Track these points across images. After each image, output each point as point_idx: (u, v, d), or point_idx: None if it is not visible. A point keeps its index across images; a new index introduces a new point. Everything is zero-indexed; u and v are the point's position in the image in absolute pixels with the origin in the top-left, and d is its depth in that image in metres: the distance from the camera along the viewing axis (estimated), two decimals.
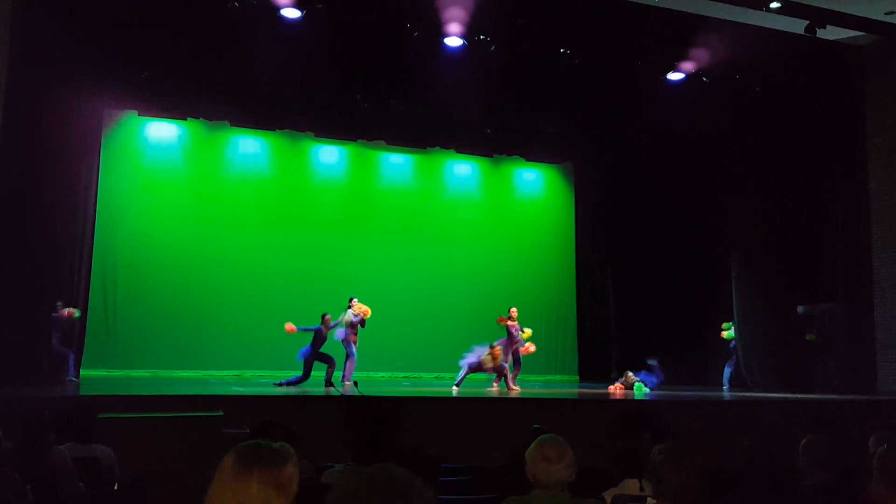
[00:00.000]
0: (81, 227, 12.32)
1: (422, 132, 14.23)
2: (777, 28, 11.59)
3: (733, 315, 13.95)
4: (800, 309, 12.93)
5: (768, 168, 13.55)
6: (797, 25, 11.33)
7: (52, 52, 9.82)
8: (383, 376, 13.66)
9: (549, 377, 14.22)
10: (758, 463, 3.62)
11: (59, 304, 10.85)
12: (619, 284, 15.98)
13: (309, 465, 4.02)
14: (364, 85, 12.43)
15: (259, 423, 3.20)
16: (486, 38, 11.47)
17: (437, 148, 15.04)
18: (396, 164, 15.48)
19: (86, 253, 12.57)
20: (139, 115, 13.30)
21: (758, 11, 11.12)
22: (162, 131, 13.87)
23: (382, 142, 14.66)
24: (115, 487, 4.97)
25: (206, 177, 14.13)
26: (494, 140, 14.54)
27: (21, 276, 9.51)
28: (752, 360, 13.66)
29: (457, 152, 15.32)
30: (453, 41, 11.37)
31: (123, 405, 7.11)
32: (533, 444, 2.88)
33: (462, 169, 15.96)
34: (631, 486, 3.42)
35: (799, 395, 10.81)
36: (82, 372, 12.11)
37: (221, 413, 6.66)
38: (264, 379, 11.96)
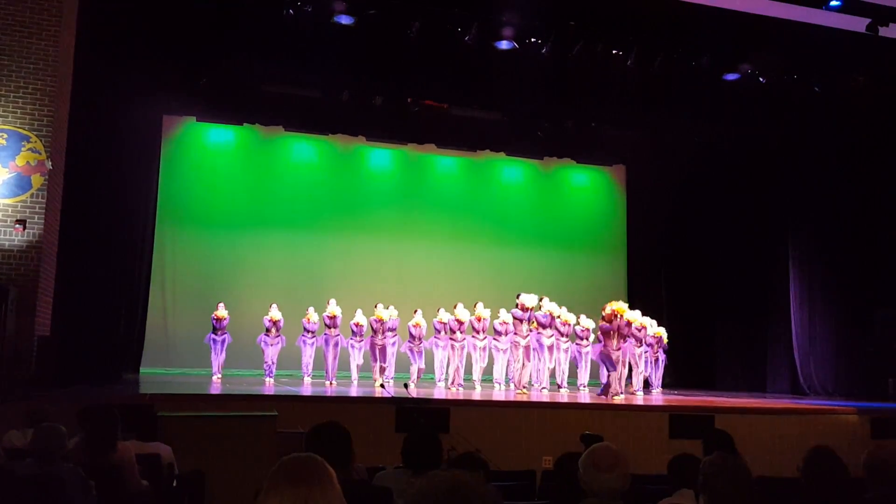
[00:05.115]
0: (142, 229, 12.72)
1: (472, 135, 14.27)
2: (837, 27, 11.28)
3: (790, 320, 13.63)
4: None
5: (829, 169, 13.20)
6: (858, 24, 11.02)
7: (114, 61, 10.17)
8: (432, 378, 13.71)
9: (597, 382, 14.04)
10: (817, 475, 3.53)
11: None
12: (674, 288, 15.75)
13: (361, 467, 4.07)
14: (415, 89, 12.53)
15: (316, 425, 3.25)
16: (538, 40, 11.45)
17: (488, 151, 15.06)
18: (447, 167, 15.54)
19: (146, 254, 12.97)
20: (197, 120, 13.65)
21: (817, 10, 10.84)
22: (219, 136, 14.21)
23: (433, 145, 14.73)
24: (174, 484, 5.12)
25: (261, 181, 14.42)
26: (545, 142, 14.47)
27: (86, 275, 9.86)
28: (810, 365, 13.32)
29: (507, 155, 15.30)
30: (505, 44, 11.36)
31: (181, 404, 7.29)
32: (585, 453, 2.87)
33: (512, 172, 15.93)
34: (686, 497, 3.37)
35: (861, 404, 10.50)
36: (141, 370, 12.49)
37: (276, 413, 6.78)
38: (317, 378, 12.13)
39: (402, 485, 3.31)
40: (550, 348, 11.63)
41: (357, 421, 7.14)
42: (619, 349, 10.93)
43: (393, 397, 8.57)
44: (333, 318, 12.02)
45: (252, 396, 8.73)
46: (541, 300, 11.79)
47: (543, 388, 11.46)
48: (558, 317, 11.73)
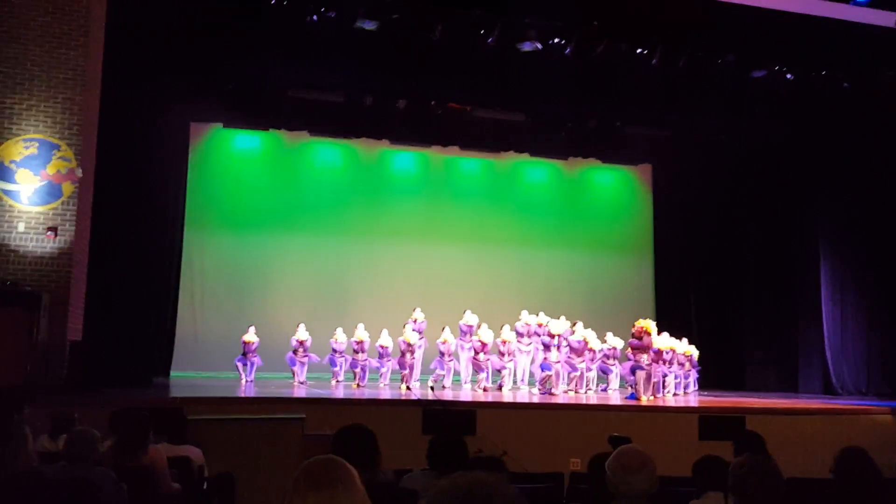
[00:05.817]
0: (171, 234, 12.86)
1: (496, 137, 14.25)
2: (865, 22, 11.11)
3: (822, 319, 13.42)
4: None
5: (859, 165, 13.00)
6: (886, 19, 10.85)
7: (141, 70, 10.30)
8: (458, 380, 13.70)
9: (625, 385, 13.96)
10: (849, 476, 3.47)
11: None
12: (702, 288, 15.57)
13: (388, 470, 4.08)
14: (438, 92, 12.55)
15: (342, 428, 3.27)
16: (561, 40, 11.40)
17: (512, 152, 15.04)
18: (471, 169, 15.55)
19: (175, 259, 13.11)
20: (224, 127, 13.80)
21: (845, 6, 10.69)
22: (245, 143, 14.37)
23: (457, 147, 14.74)
24: (205, 486, 5.17)
25: (287, 186, 14.54)
26: (569, 143, 14.40)
27: (117, 280, 10.00)
28: (842, 365, 13.12)
29: (531, 156, 15.25)
30: (528, 45, 11.33)
31: (211, 407, 7.37)
32: (613, 455, 2.86)
33: (537, 173, 15.89)
34: (715, 500, 3.34)
35: (893, 404, 10.31)
36: (171, 374, 12.62)
37: (304, 416, 6.84)
38: (345, 382, 12.18)
39: (428, 487, 3.32)
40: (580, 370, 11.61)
41: (384, 423, 7.15)
42: (649, 365, 10.82)
43: (419, 399, 8.59)
44: (361, 343, 11.99)
45: (280, 399, 8.80)
46: (574, 325, 11.75)
47: (570, 390, 11.41)
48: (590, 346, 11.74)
